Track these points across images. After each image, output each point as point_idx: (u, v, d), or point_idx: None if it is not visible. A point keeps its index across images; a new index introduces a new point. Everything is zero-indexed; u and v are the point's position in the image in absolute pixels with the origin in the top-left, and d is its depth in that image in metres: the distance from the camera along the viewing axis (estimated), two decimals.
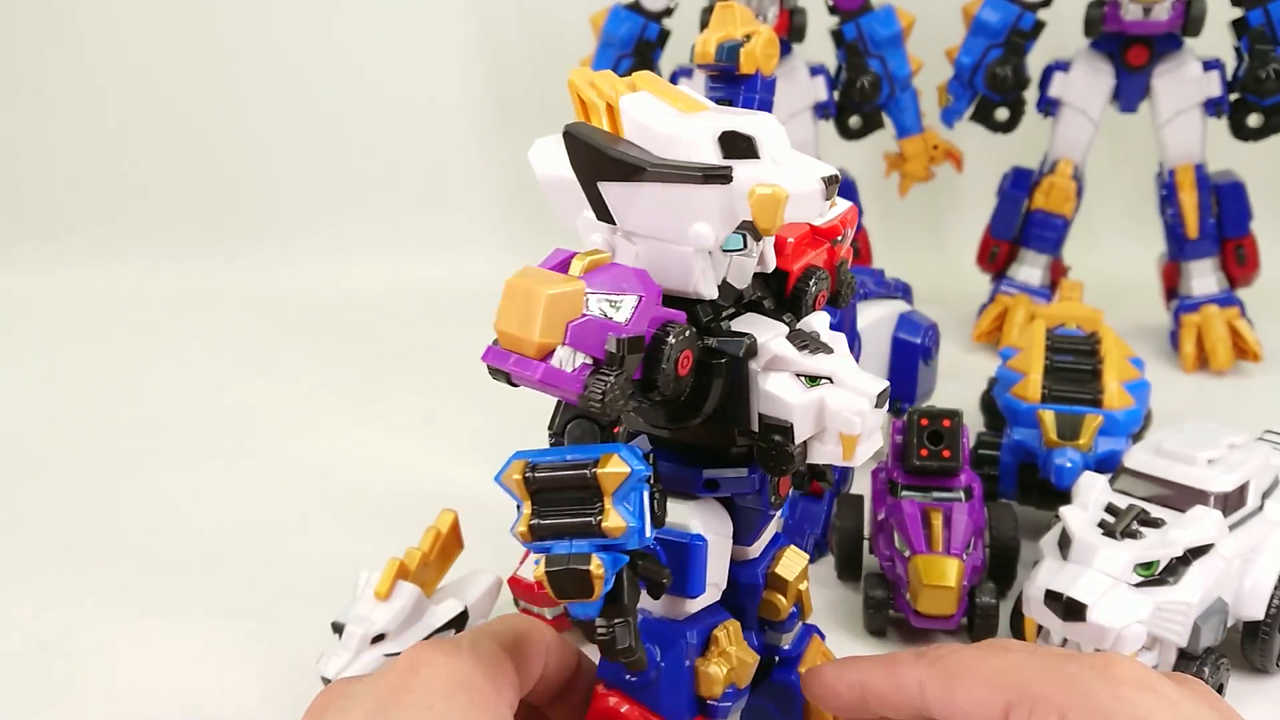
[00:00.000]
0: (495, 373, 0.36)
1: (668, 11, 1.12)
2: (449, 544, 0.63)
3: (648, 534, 0.36)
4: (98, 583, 0.73)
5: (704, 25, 0.98)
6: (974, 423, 0.82)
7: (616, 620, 0.37)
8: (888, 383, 0.39)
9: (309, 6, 1.48)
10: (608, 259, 0.36)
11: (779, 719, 0.49)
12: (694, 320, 0.38)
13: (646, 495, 0.36)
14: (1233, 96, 1.04)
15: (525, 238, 1.49)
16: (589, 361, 0.34)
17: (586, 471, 0.35)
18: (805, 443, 0.38)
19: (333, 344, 1.23)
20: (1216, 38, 1.03)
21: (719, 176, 0.35)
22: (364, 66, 1.51)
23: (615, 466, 0.35)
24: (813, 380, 0.38)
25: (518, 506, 0.36)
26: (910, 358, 0.84)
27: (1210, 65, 1.03)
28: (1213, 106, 1.04)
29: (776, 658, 0.49)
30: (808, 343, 0.39)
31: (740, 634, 0.44)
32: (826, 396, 0.38)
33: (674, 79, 1.13)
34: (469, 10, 1.47)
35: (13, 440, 0.99)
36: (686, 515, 0.41)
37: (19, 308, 1.41)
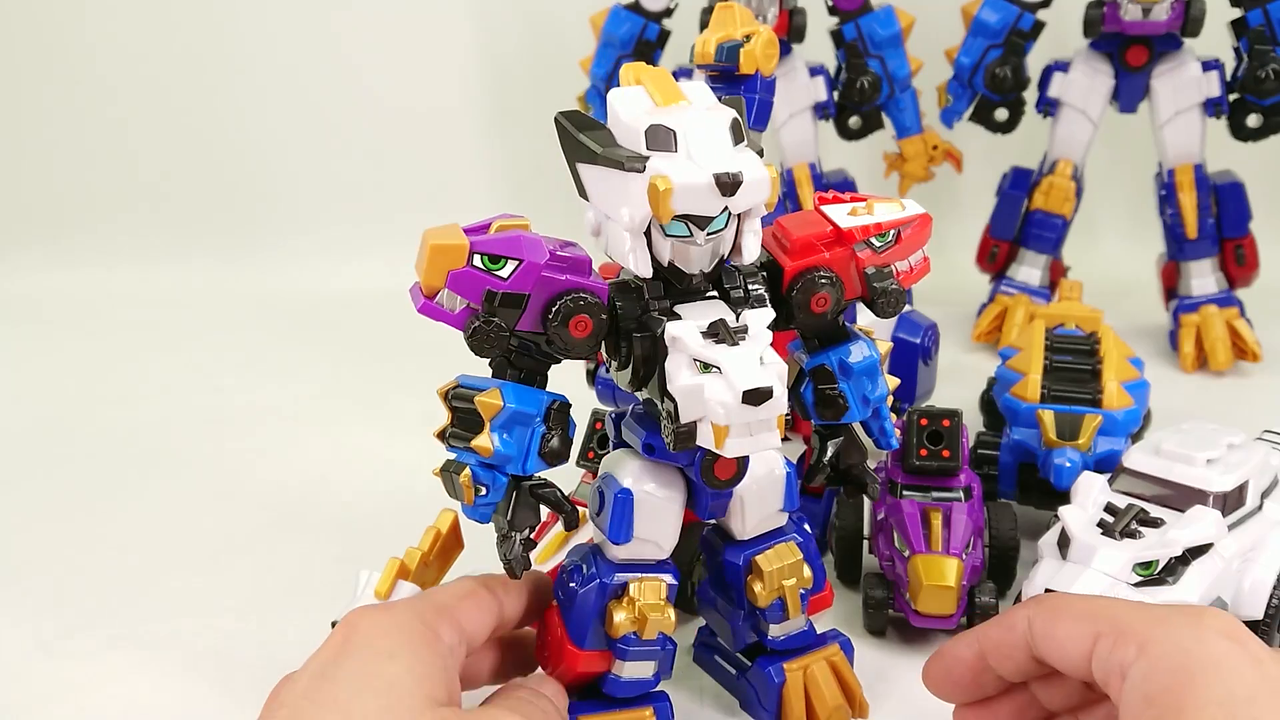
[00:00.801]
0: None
1: (668, 11, 1.12)
2: (449, 544, 0.63)
3: (530, 466, 0.44)
4: (97, 583, 0.73)
5: (704, 25, 0.98)
6: (974, 423, 0.82)
7: (502, 533, 0.45)
8: (777, 385, 0.40)
9: (310, 7, 1.48)
10: (523, 226, 0.44)
11: (754, 705, 0.52)
12: (639, 298, 0.44)
13: (537, 434, 0.44)
14: (1232, 97, 1.04)
15: None
16: (474, 307, 0.42)
17: (474, 399, 0.43)
18: (693, 424, 0.42)
19: (333, 344, 1.23)
20: (1216, 38, 1.03)
21: (635, 167, 0.39)
22: (364, 66, 1.50)
23: (490, 398, 0.44)
24: (705, 367, 0.41)
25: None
26: (910, 358, 0.84)
27: (1210, 65, 1.03)
28: (1212, 107, 1.04)
29: (766, 646, 0.50)
30: (719, 332, 0.41)
31: (662, 593, 0.48)
32: (705, 384, 0.40)
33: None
34: (469, 10, 1.47)
35: (13, 440, 0.99)
36: (623, 470, 0.48)
37: (20, 308, 1.41)
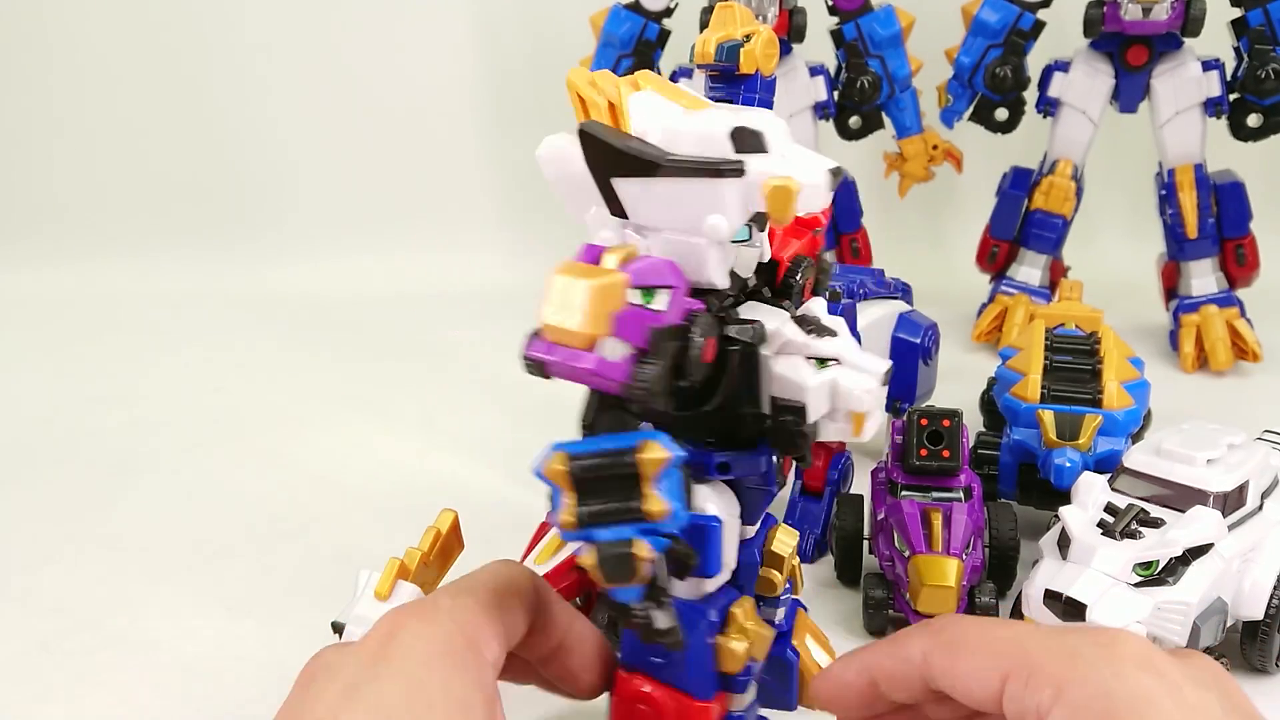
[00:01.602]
0: (532, 366, 0.37)
1: (668, 11, 1.12)
2: (449, 544, 0.63)
3: (683, 516, 0.37)
4: (98, 582, 0.73)
5: (704, 25, 0.98)
6: (974, 423, 0.82)
7: (652, 603, 0.38)
8: (889, 361, 0.41)
9: (311, 7, 1.48)
10: (637, 251, 0.37)
11: (778, 693, 0.50)
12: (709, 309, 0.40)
13: (681, 479, 0.37)
14: (1232, 96, 1.04)
15: (525, 238, 1.50)
16: (631, 351, 0.35)
17: (627, 458, 0.36)
18: (815, 422, 0.40)
19: (333, 344, 1.23)
20: (1216, 38, 1.03)
21: (734, 171, 0.36)
22: (363, 66, 1.51)
23: (655, 452, 0.36)
24: (822, 362, 0.40)
25: (551, 496, 0.37)
26: (910, 358, 0.84)
27: (1210, 65, 1.03)
28: (1212, 106, 1.04)
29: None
30: (813, 327, 0.41)
31: (754, 610, 0.45)
32: (838, 377, 0.39)
33: (674, 79, 1.13)
34: (469, 10, 1.47)
35: (13, 440, 0.99)
36: (703, 498, 0.42)
37: (20, 307, 1.41)
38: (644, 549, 0.36)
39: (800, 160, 0.38)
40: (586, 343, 0.35)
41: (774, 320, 0.41)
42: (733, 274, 0.40)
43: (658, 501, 0.36)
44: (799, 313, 0.42)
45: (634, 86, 0.39)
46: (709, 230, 0.37)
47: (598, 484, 0.36)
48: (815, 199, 0.38)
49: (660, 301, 0.36)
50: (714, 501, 0.43)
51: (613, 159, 0.37)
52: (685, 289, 0.37)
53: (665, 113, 0.38)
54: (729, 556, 0.44)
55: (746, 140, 0.37)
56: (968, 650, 0.38)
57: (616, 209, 0.38)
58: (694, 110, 0.38)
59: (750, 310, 0.41)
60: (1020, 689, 0.36)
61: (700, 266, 0.38)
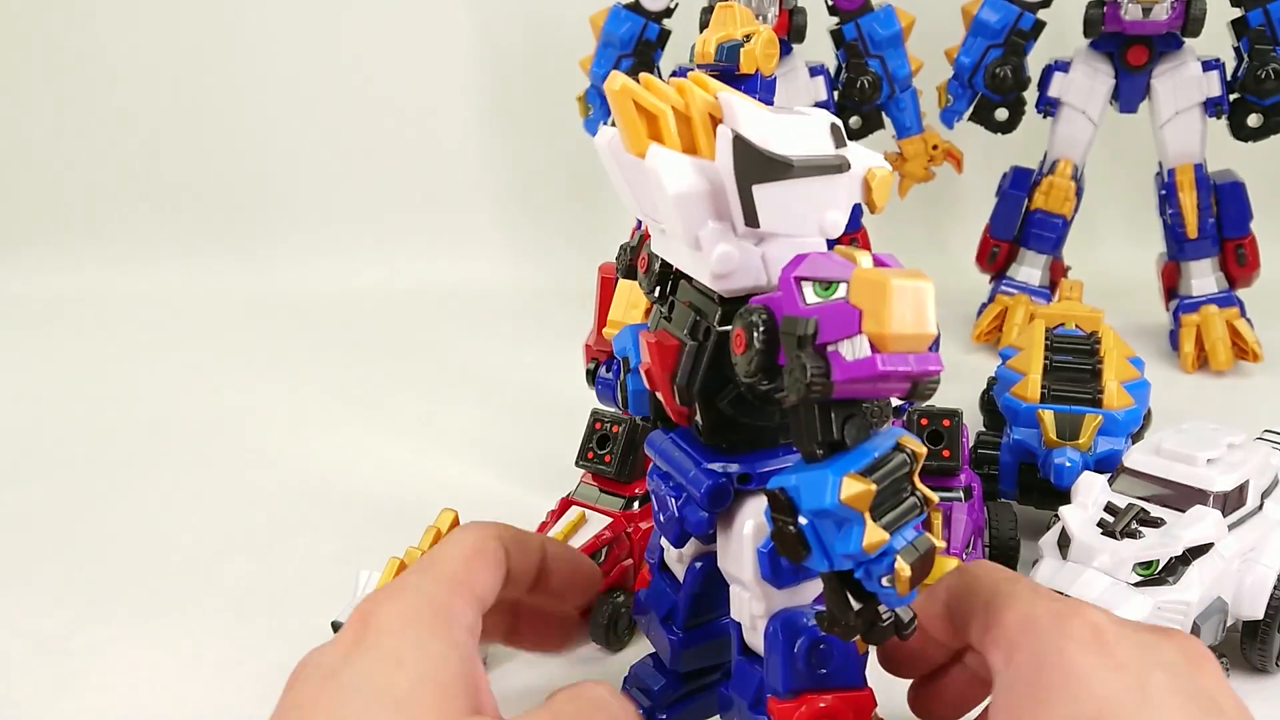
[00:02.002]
0: (824, 386, 0.33)
1: (668, 11, 1.12)
2: None
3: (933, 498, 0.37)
4: (98, 583, 0.73)
5: (704, 25, 0.98)
6: (974, 423, 0.82)
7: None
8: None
9: (311, 7, 1.48)
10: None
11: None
12: None
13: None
14: (1232, 96, 1.04)
15: (525, 238, 1.50)
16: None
17: (902, 455, 0.35)
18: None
19: (333, 344, 1.23)
20: (1216, 38, 1.03)
21: (846, 165, 0.37)
22: (363, 66, 1.51)
23: (915, 444, 0.36)
24: None
25: (840, 524, 0.34)
26: None
27: (1210, 65, 1.03)
28: (1212, 106, 1.04)
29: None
30: None
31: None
32: None
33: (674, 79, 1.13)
34: (469, 10, 1.47)
35: (13, 440, 0.99)
36: None
37: (20, 308, 1.41)
38: (938, 538, 0.36)
39: (865, 152, 0.38)
40: (929, 343, 0.33)
41: None
42: None
43: (926, 489, 0.35)
44: None
45: (686, 92, 0.37)
46: (830, 227, 0.37)
47: (886, 495, 0.35)
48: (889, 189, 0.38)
49: None
50: None
51: (759, 165, 0.36)
52: None
53: (756, 114, 0.36)
54: None
55: (839, 136, 0.37)
56: (969, 596, 0.40)
57: (751, 218, 0.37)
58: (780, 111, 0.37)
59: None
60: (989, 645, 0.38)
61: None
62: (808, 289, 0.34)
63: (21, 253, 1.53)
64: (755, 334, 0.35)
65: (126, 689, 0.62)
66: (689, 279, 0.42)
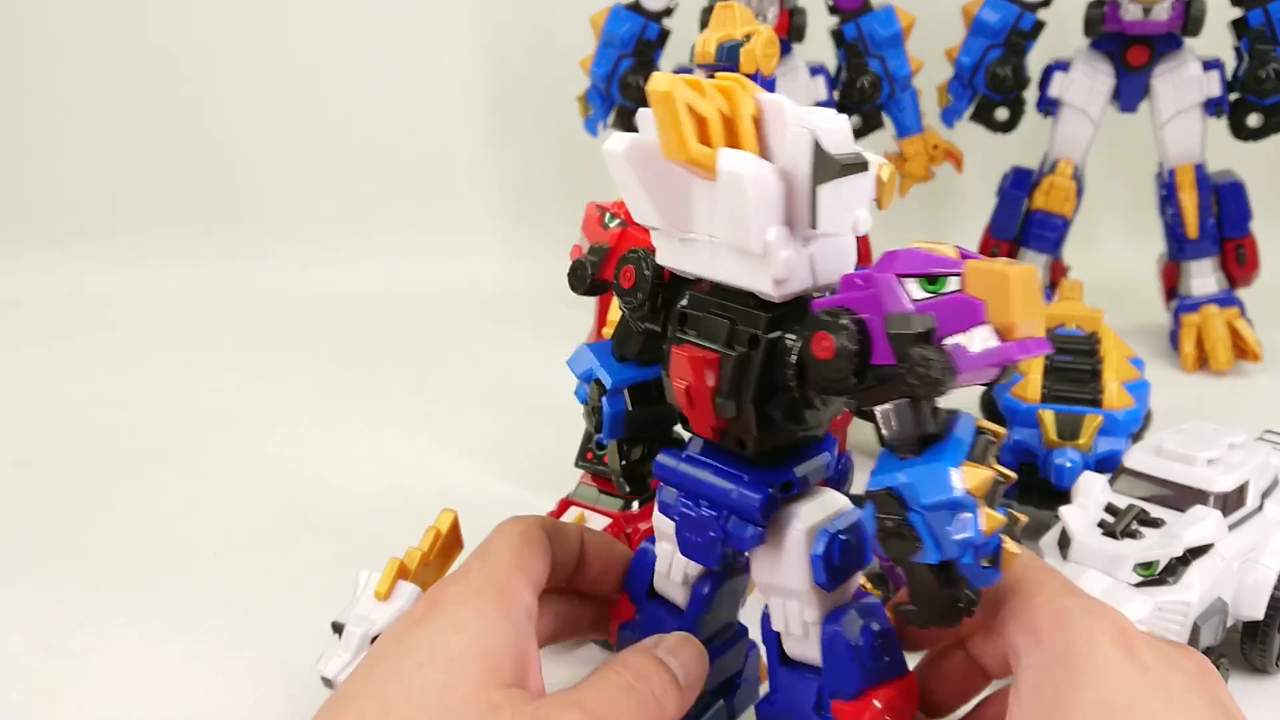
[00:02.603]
0: (949, 376, 0.33)
1: (668, 11, 1.12)
2: (449, 544, 0.63)
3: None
4: (98, 583, 0.73)
5: (704, 25, 0.98)
6: None
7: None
8: None
9: (311, 8, 1.48)
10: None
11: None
12: None
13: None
14: (1233, 96, 1.04)
15: (525, 238, 1.50)
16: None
17: (986, 436, 0.36)
18: None
19: (332, 344, 1.23)
20: (1216, 38, 1.03)
21: (868, 163, 0.37)
22: (363, 66, 1.50)
23: (989, 424, 0.36)
24: None
25: (953, 513, 0.34)
26: None
27: (1210, 65, 1.03)
28: (1213, 106, 1.04)
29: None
30: None
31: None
32: None
33: None
34: (469, 10, 1.47)
35: (13, 440, 0.99)
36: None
37: (20, 308, 1.41)
38: (1019, 511, 0.36)
39: (866, 151, 0.39)
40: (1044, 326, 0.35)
41: None
42: None
43: (1000, 466, 0.36)
44: None
45: (733, 94, 0.37)
46: (860, 224, 0.38)
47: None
48: None
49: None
50: None
51: (828, 166, 0.36)
52: None
53: (807, 114, 0.36)
54: None
55: (854, 134, 0.38)
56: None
57: (813, 219, 0.37)
58: (809, 108, 0.38)
59: None
60: (1016, 627, 0.38)
61: (840, 265, 0.38)
62: (911, 285, 0.34)
63: (21, 253, 1.53)
64: (847, 337, 0.35)
65: (127, 689, 0.62)
66: (712, 289, 0.41)
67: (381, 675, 0.40)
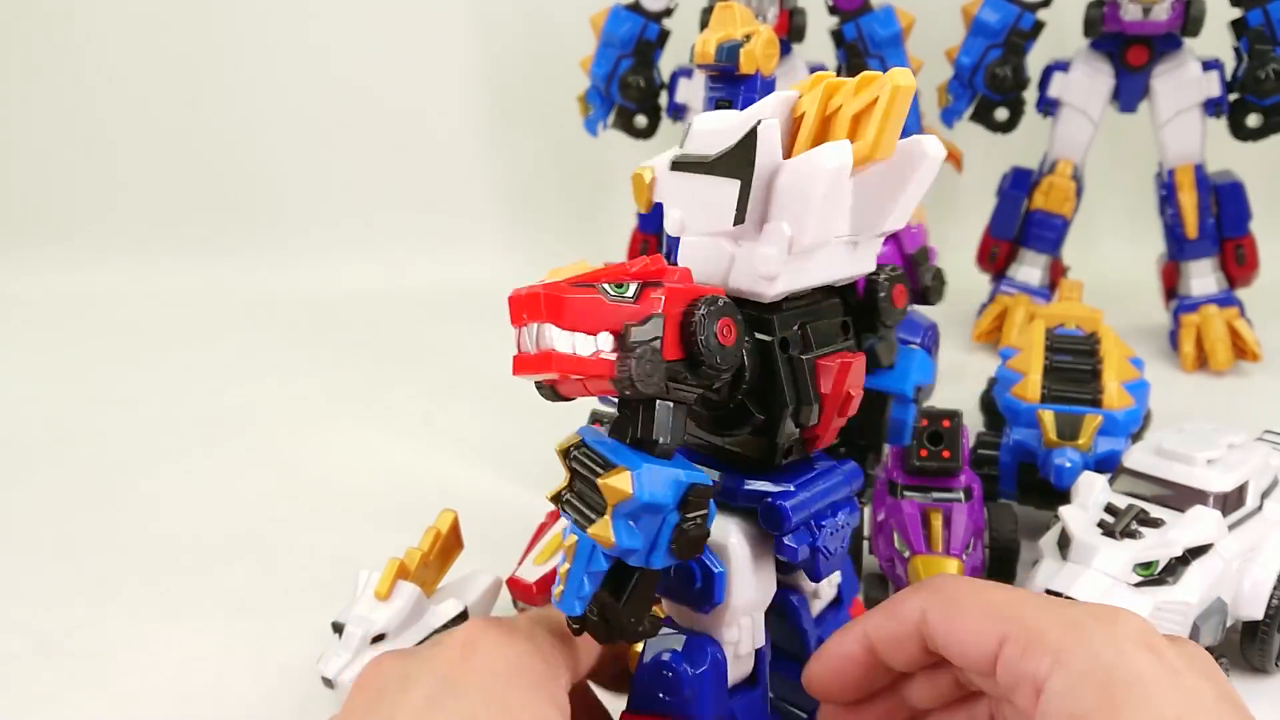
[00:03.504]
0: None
1: (668, 11, 1.12)
2: (449, 544, 0.63)
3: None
4: (98, 583, 0.73)
5: (704, 25, 0.98)
6: (974, 423, 0.82)
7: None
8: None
9: (311, 8, 1.48)
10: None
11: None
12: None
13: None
14: (1232, 96, 1.04)
15: (525, 238, 1.50)
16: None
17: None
18: None
19: (332, 344, 1.23)
20: (1216, 38, 1.03)
21: None
22: (363, 66, 1.51)
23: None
24: None
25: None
26: None
27: (1210, 65, 1.03)
28: (1212, 106, 1.04)
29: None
30: None
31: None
32: None
33: (674, 79, 1.13)
34: (468, 10, 1.47)
35: (13, 440, 0.99)
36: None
37: (19, 309, 1.41)
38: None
39: None
40: None
41: None
42: None
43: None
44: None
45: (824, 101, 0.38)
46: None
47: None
48: None
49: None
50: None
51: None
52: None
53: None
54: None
55: None
56: (965, 610, 0.38)
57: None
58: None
59: None
60: (1017, 655, 0.36)
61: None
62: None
63: (22, 253, 1.53)
64: (904, 283, 0.43)
65: (127, 689, 0.62)
66: (801, 294, 0.41)
67: None
